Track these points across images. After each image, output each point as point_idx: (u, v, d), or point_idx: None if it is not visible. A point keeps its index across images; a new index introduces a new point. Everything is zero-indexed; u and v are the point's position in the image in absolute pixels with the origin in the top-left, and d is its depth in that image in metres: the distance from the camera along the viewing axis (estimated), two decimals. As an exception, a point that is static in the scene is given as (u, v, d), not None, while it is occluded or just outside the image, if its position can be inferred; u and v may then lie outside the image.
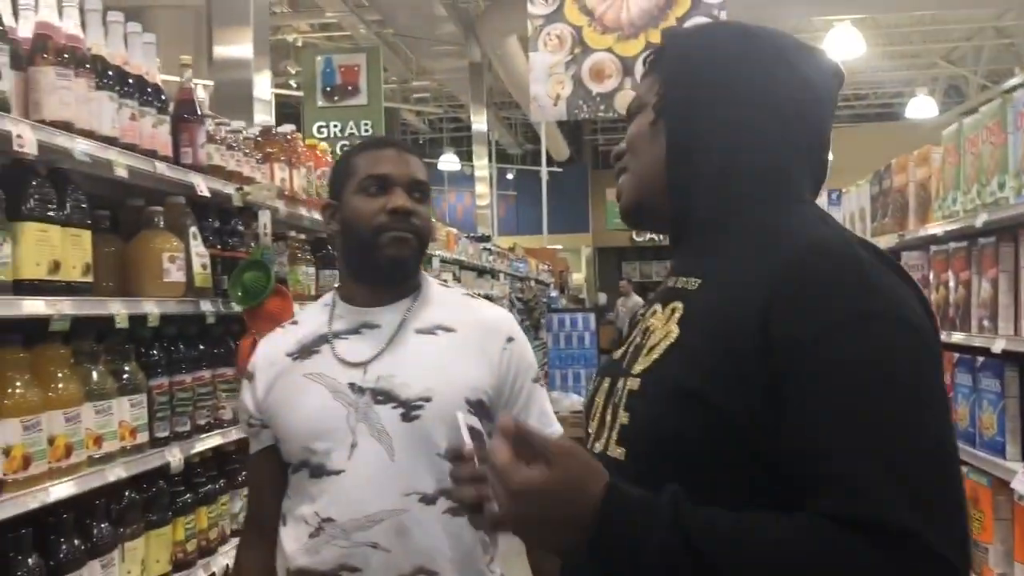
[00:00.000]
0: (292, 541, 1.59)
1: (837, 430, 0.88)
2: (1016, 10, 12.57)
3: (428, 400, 1.56)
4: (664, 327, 1.03)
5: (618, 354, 1.12)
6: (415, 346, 1.62)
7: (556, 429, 1.69)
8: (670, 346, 1.00)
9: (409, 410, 1.56)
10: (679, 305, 1.03)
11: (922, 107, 14.29)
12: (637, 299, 14.03)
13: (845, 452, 0.88)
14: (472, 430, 1.01)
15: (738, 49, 1.09)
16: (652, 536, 0.88)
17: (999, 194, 2.51)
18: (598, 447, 1.06)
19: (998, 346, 2.45)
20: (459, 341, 1.63)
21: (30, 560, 1.74)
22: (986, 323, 2.60)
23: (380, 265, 1.62)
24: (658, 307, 1.07)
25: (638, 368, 1.03)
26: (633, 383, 1.02)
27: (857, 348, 0.90)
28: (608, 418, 1.06)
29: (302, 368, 1.64)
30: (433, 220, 1.76)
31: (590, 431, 1.11)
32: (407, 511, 1.53)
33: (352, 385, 1.59)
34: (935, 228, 3.01)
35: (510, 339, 1.67)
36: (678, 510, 0.89)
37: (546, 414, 1.70)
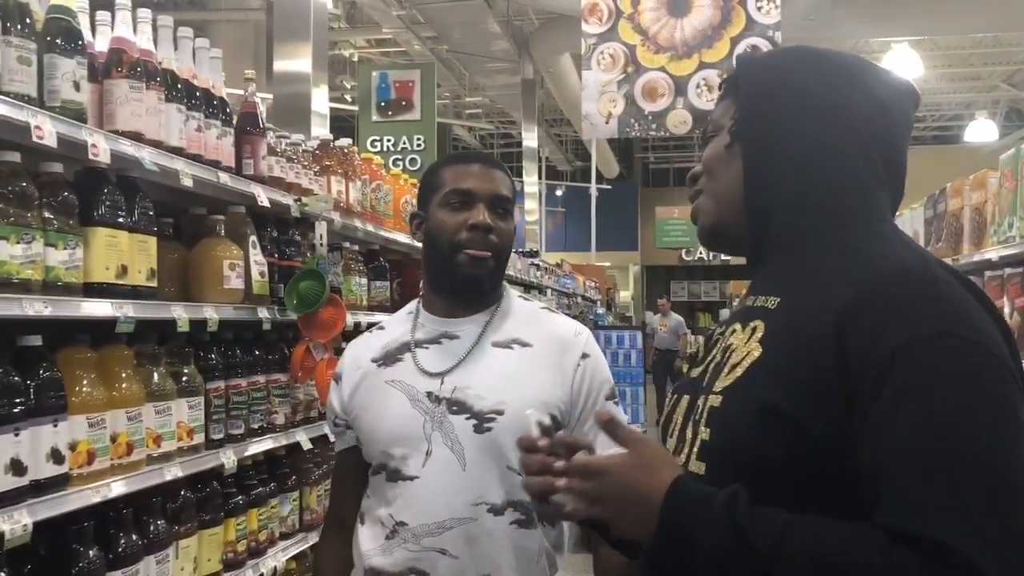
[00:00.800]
0: (369, 540, 1.64)
1: (903, 446, 0.89)
2: (1081, 33, 12.29)
3: (500, 413, 1.59)
4: (745, 346, 1.05)
5: (696, 372, 1.15)
6: (491, 359, 1.65)
7: None
8: (752, 364, 1.02)
9: (482, 422, 1.59)
10: (759, 324, 1.05)
11: (982, 130, 14.02)
12: (678, 318, 13.65)
13: (907, 468, 0.89)
14: (542, 426, 1.08)
15: (812, 72, 1.11)
16: (708, 527, 0.92)
17: (1057, 220, 2.48)
18: (678, 463, 1.08)
19: (1053, 374, 2.41)
20: (534, 356, 1.66)
21: (91, 552, 1.81)
22: (1041, 350, 2.56)
23: (457, 281, 1.67)
24: (737, 326, 1.09)
25: (720, 386, 1.05)
26: (715, 400, 1.04)
27: (931, 367, 0.91)
28: (688, 434, 1.08)
29: (385, 374, 1.68)
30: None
31: (667, 447, 1.13)
32: (475, 520, 1.57)
33: (430, 394, 1.63)
34: (990, 253, 2.97)
35: (585, 355, 1.68)
36: (735, 504, 0.92)
37: None
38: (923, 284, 0.96)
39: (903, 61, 10.53)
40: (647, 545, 0.98)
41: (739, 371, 1.03)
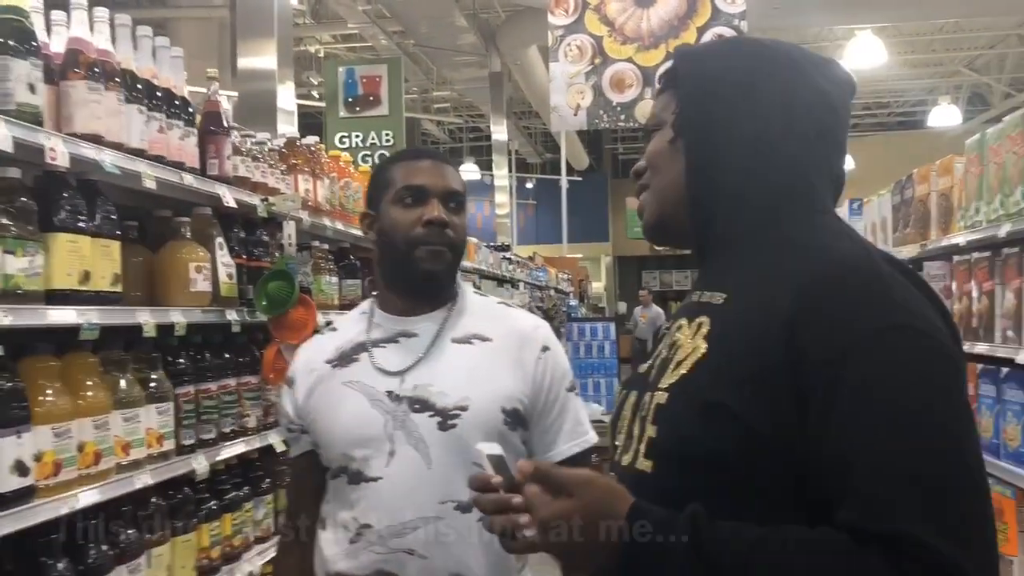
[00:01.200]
0: (332, 545, 1.62)
1: (859, 444, 0.89)
2: (1040, 18, 12.47)
3: (464, 409, 1.58)
4: (691, 342, 1.04)
5: (644, 368, 1.14)
6: (451, 355, 1.64)
7: (591, 437, 1.70)
8: (697, 361, 1.02)
9: (446, 419, 1.58)
10: (705, 320, 1.05)
11: (945, 115, 14.20)
12: (657, 309, 13.95)
13: (866, 466, 0.88)
14: (493, 458, 1.02)
15: (753, 64, 1.10)
16: (674, 553, 0.91)
17: (1022, 204, 2.50)
18: (626, 460, 1.07)
19: (1022, 357, 2.44)
20: (495, 350, 1.65)
21: (60, 564, 1.77)
22: (1010, 333, 2.59)
23: (415, 277, 1.65)
24: (684, 321, 1.09)
25: (666, 382, 1.04)
26: (661, 397, 1.04)
27: (880, 364, 0.91)
28: (636, 431, 1.07)
29: (341, 376, 1.66)
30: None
31: (617, 443, 1.12)
32: (443, 519, 1.55)
33: (390, 393, 1.61)
34: (958, 238, 3.00)
35: (545, 348, 1.68)
36: (696, 525, 0.91)
37: (580, 423, 1.70)
38: (869, 279, 0.96)
39: (867, 48, 10.63)
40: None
41: (683, 368, 1.03)
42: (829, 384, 0.92)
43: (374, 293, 1.77)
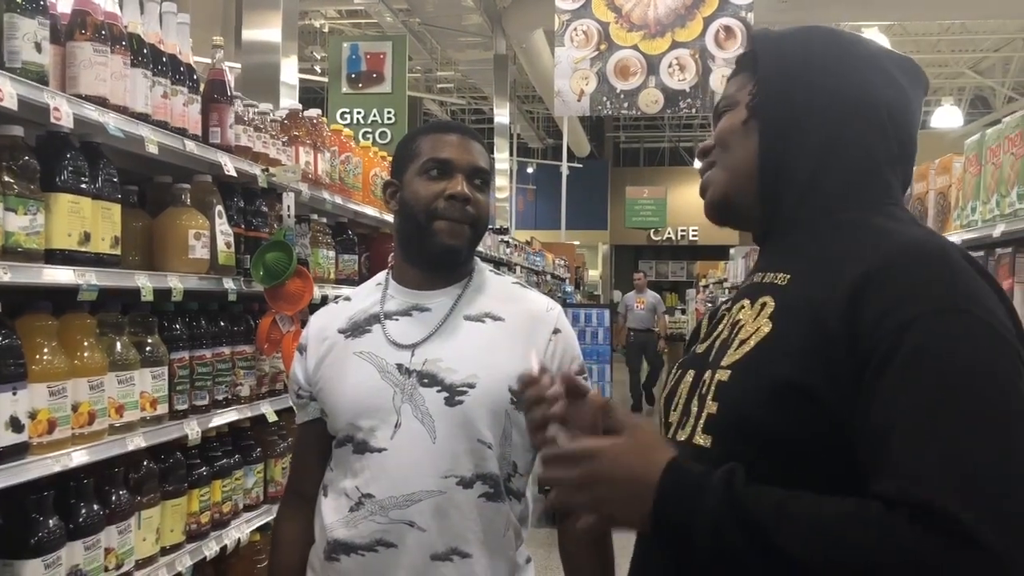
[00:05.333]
0: (332, 512, 1.63)
1: (904, 416, 0.90)
2: (1047, 22, 12.44)
3: (472, 386, 1.58)
4: (755, 321, 1.05)
5: (701, 348, 1.15)
6: (463, 332, 1.64)
7: None
8: (762, 339, 1.02)
9: (453, 395, 1.58)
10: (769, 299, 1.05)
11: (947, 116, 14.20)
12: (655, 295, 12.47)
13: (907, 437, 0.89)
14: (541, 365, 1.11)
15: (833, 52, 1.11)
16: (705, 504, 0.92)
17: (1018, 205, 2.52)
18: (681, 436, 1.08)
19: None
20: (507, 330, 1.65)
21: (51, 521, 1.79)
22: (999, 333, 2.61)
23: (433, 251, 1.64)
24: (746, 302, 1.09)
25: (728, 361, 1.05)
26: (723, 375, 1.04)
27: (937, 341, 0.91)
28: (694, 408, 1.07)
29: (353, 346, 1.66)
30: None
31: (671, 421, 1.13)
32: (444, 493, 1.56)
33: (400, 366, 1.61)
34: (953, 237, 3.01)
35: (556, 331, 1.67)
36: (733, 480, 0.93)
37: None
38: (935, 261, 0.97)
39: (873, 46, 10.61)
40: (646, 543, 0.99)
41: (748, 346, 1.03)
42: (883, 359, 0.92)
43: (391, 264, 1.77)
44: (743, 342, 1.04)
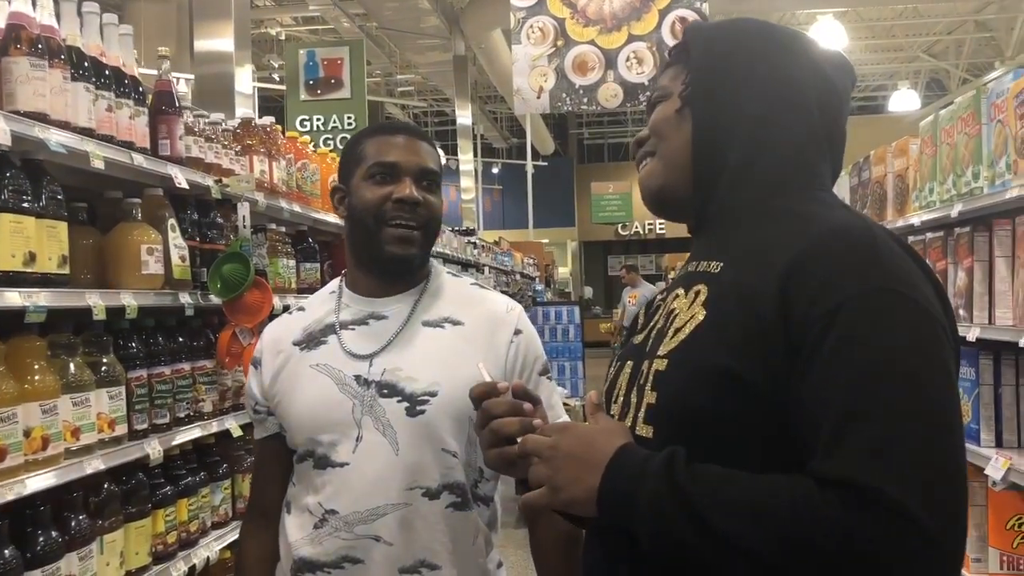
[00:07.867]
0: (297, 530, 1.59)
1: (837, 395, 0.91)
2: (996, 3, 12.65)
3: (434, 395, 1.54)
4: (689, 310, 1.06)
5: (639, 339, 1.16)
6: (422, 340, 1.59)
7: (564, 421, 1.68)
8: (696, 327, 1.03)
9: (414, 404, 1.54)
10: (703, 287, 1.06)
11: (904, 100, 14.39)
12: (649, 286, 11.90)
13: (839, 416, 0.90)
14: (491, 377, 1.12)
15: (762, 43, 1.14)
16: (645, 484, 0.94)
17: (974, 184, 2.54)
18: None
19: (973, 334, 2.48)
20: (466, 334, 1.60)
21: (6, 551, 1.74)
22: (962, 312, 2.63)
23: (384, 258, 1.59)
24: (680, 291, 1.11)
25: (664, 350, 1.06)
26: (660, 364, 1.05)
27: (865, 322, 0.93)
28: (634, 399, 1.09)
29: (308, 358, 1.61)
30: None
31: (612, 413, 1.14)
32: (410, 505, 1.52)
33: (358, 378, 1.57)
34: (913, 218, 3.03)
35: (518, 331, 1.63)
36: (673, 462, 0.94)
37: (553, 407, 1.62)
38: (864, 242, 0.98)
39: (828, 33, 10.71)
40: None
41: (683, 334, 1.04)
42: (815, 341, 0.93)
43: (344, 272, 1.72)
44: (678, 330, 1.05)
